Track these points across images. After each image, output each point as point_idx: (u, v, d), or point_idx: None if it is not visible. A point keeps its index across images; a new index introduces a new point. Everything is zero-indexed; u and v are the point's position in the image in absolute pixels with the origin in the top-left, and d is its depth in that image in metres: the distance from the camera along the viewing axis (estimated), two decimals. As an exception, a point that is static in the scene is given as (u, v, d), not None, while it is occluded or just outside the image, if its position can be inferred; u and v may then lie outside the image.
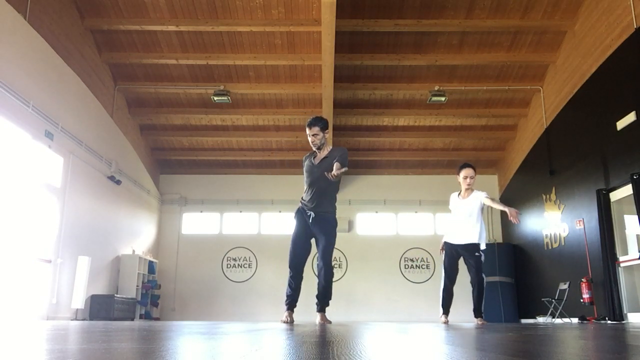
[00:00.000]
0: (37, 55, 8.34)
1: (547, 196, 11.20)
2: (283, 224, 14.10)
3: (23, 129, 7.96)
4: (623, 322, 8.03)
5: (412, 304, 13.74)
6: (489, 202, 5.83)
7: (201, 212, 14.74)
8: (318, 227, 5.05)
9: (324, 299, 5.11)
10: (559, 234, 10.65)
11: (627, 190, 8.28)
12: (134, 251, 12.37)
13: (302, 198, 5.20)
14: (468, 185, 5.95)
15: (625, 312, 8.43)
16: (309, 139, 5.04)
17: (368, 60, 10.60)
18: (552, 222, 10.97)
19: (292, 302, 5.12)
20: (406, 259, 14.33)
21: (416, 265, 14.29)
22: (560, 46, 10.44)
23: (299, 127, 12.52)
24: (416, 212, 14.60)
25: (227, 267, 14.37)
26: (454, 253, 6.01)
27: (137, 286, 11.86)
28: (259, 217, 14.68)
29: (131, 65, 11.06)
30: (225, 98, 11.42)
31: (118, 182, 11.31)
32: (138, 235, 12.92)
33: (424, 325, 5.21)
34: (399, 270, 14.25)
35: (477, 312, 5.90)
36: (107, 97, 11.11)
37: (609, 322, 8.13)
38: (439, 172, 14.51)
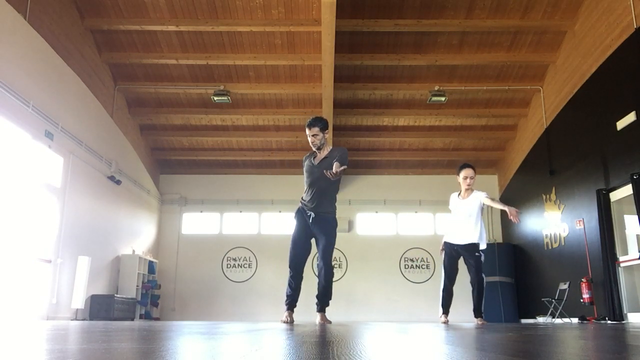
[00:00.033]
0: (37, 55, 8.34)
1: (547, 196, 11.20)
2: (283, 224, 14.10)
3: (23, 129, 7.96)
4: (623, 322, 8.03)
5: (412, 304, 13.74)
6: (488, 202, 5.83)
7: (201, 212, 14.74)
8: (318, 227, 5.05)
9: (324, 299, 5.11)
10: (559, 234, 10.65)
11: (627, 190, 8.28)
12: (134, 251, 12.37)
13: (302, 198, 5.20)
14: (468, 185, 5.94)
15: (625, 312, 8.43)
16: (309, 139, 5.04)
17: (368, 60, 10.60)
18: (552, 222, 10.97)
19: (292, 302, 5.12)
20: (406, 259, 14.33)
21: (416, 265, 14.29)
22: (560, 46, 10.44)
23: (299, 127, 12.51)
24: (416, 212, 14.60)
25: (227, 267, 14.37)
26: (453, 253, 6.01)
27: (137, 286, 11.86)
28: (259, 217, 14.68)
29: (131, 65, 11.06)
30: (225, 98, 11.42)
31: (118, 182, 11.31)
32: (138, 235, 12.93)
33: (424, 325, 5.21)
34: (399, 270, 14.25)
35: (477, 312, 5.90)
36: (107, 97, 11.11)
37: (609, 322, 8.13)
38: (439, 172, 14.51)
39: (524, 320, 11.95)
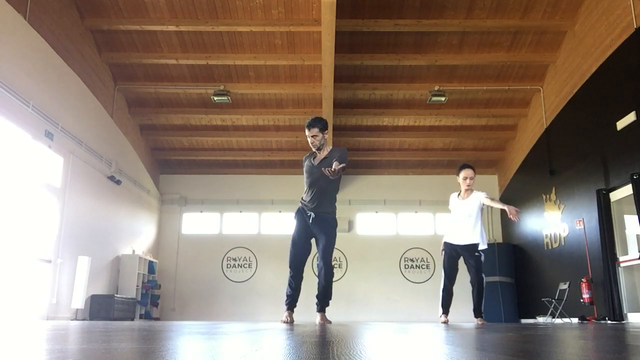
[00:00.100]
0: (37, 55, 8.34)
1: (547, 196, 11.20)
2: (283, 224, 14.10)
3: (23, 129, 7.96)
4: (623, 322, 8.03)
5: (412, 304, 13.74)
6: (488, 202, 5.84)
7: (201, 212, 14.75)
8: (318, 227, 5.05)
9: (324, 299, 5.11)
10: (559, 234, 10.65)
11: (627, 190, 8.28)
12: (134, 251, 12.37)
13: (302, 198, 5.20)
14: (468, 186, 5.94)
15: (625, 312, 8.43)
16: (309, 140, 5.04)
17: (368, 60, 10.60)
18: (552, 222, 10.97)
19: (292, 302, 5.12)
20: (406, 259, 14.33)
21: (416, 265, 14.29)
22: (560, 46, 10.44)
23: (299, 127, 12.51)
24: (416, 212, 14.60)
25: (227, 267, 14.37)
26: (453, 253, 6.01)
27: (137, 286, 11.86)
28: (259, 217, 14.68)
29: (131, 65, 11.06)
30: (225, 98, 11.43)
31: (118, 182, 11.31)
32: (138, 235, 12.93)
33: (424, 325, 5.21)
34: (399, 270, 14.25)
35: (477, 312, 5.90)
36: (107, 97, 11.11)
37: (609, 322, 8.13)
38: (439, 172, 14.51)
39: (524, 320, 11.95)
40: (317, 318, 5.15)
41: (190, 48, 10.48)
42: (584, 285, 9.25)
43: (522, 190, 12.73)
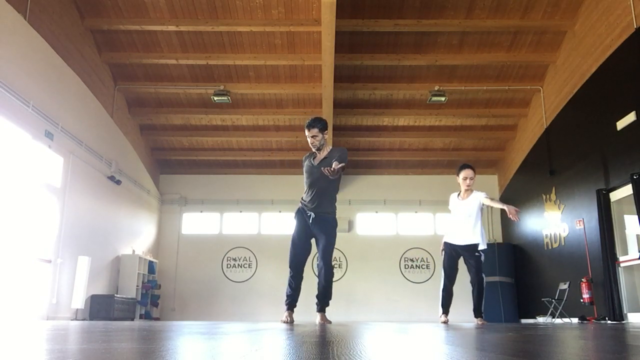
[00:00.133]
0: (37, 55, 8.34)
1: (547, 196, 11.20)
2: (283, 224, 14.10)
3: (23, 129, 7.96)
4: (623, 322, 8.03)
5: (412, 304, 13.74)
6: (488, 202, 5.84)
7: (201, 212, 14.75)
8: (318, 227, 5.05)
9: (324, 299, 5.11)
10: (559, 234, 10.65)
11: (627, 190, 8.28)
12: (134, 251, 12.37)
13: (302, 198, 5.20)
14: (467, 186, 5.94)
15: (625, 312, 8.43)
16: (308, 140, 5.04)
17: (368, 60, 10.60)
18: (552, 222, 10.97)
19: (292, 302, 5.12)
20: (406, 259, 14.33)
21: (416, 265, 14.29)
22: (560, 46, 10.44)
23: (299, 127, 12.51)
24: (416, 212, 14.60)
25: (227, 267, 14.37)
26: (453, 253, 6.01)
27: (137, 286, 11.86)
28: (259, 217, 14.68)
29: (131, 65, 11.06)
30: (225, 98, 11.43)
31: (118, 182, 11.31)
32: (138, 235, 12.93)
33: (424, 325, 5.21)
34: (399, 270, 14.25)
35: (477, 312, 5.90)
36: (107, 97, 11.11)
37: (609, 322, 8.13)
38: (439, 172, 14.51)
39: (524, 320, 11.95)
40: (317, 318, 5.15)
41: (190, 48, 10.48)
42: (584, 285, 9.25)
43: (522, 190, 12.73)
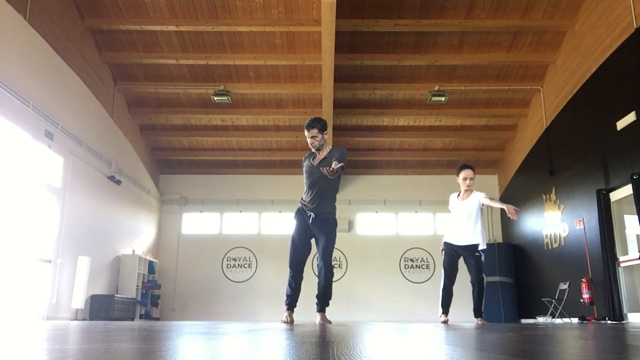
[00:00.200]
0: (37, 55, 8.34)
1: (547, 196, 11.20)
2: (283, 224, 14.10)
3: (23, 129, 7.96)
4: (623, 322, 8.03)
5: (412, 304, 13.74)
6: (488, 202, 5.84)
7: (201, 212, 14.75)
8: (318, 227, 5.05)
9: (324, 299, 5.12)
10: (559, 234, 10.65)
11: (627, 190, 8.28)
12: (134, 251, 12.37)
13: (302, 198, 5.20)
14: (467, 186, 5.94)
15: (625, 312, 8.43)
16: (308, 140, 5.04)
17: (368, 60, 10.60)
18: (552, 222, 10.97)
19: (292, 302, 5.12)
20: (406, 259, 14.33)
21: (416, 265, 14.29)
22: (560, 46, 10.44)
23: (299, 127, 12.51)
24: (416, 212, 14.61)
25: (227, 267, 14.37)
26: (453, 253, 6.01)
27: (137, 286, 11.86)
28: (259, 217, 14.68)
29: (131, 65, 11.06)
30: (225, 98, 11.43)
31: (118, 182, 11.31)
32: (138, 235, 12.93)
33: (424, 325, 5.21)
34: (399, 270, 14.25)
35: (477, 312, 5.90)
36: (107, 97, 11.11)
37: (609, 322, 8.13)
38: (439, 172, 14.51)
39: (524, 320, 11.95)
40: (317, 318, 5.15)
41: (190, 48, 10.48)
42: (584, 285, 9.25)
43: (522, 190, 12.73)
